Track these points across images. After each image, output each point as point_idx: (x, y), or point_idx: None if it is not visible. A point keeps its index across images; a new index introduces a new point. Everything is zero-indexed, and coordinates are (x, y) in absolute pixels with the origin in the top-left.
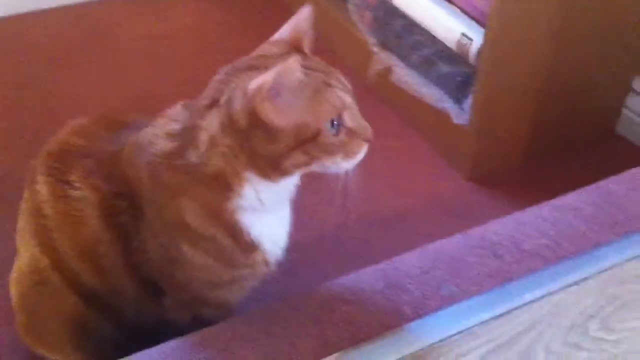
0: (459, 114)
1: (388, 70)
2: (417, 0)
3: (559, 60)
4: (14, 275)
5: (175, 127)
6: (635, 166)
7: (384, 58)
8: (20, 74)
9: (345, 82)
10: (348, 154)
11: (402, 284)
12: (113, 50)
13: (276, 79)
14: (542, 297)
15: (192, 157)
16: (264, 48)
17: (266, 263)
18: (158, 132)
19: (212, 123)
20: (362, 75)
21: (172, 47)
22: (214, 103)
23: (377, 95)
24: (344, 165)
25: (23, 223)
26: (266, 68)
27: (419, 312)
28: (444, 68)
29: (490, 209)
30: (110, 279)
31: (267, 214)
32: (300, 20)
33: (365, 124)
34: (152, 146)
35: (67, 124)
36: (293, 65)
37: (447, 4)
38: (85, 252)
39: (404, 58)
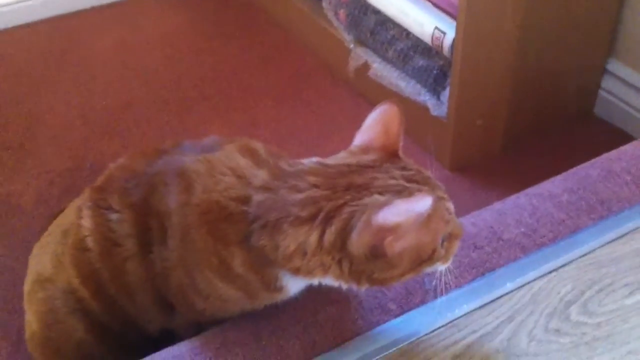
0: (437, 106)
1: (366, 66)
2: None
3: (529, 46)
4: (39, 295)
5: (247, 191)
6: (612, 146)
7: (360, 54)
8: None
9: (436, 180)
10: (448, 258)
11: None
12: (88, 61)
13: (409, 219)
14: (523, 285)
15: (263, 242)
16: (359, 153)
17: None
18: (225, 179)
19: (308, 238)
20: (341, 72)
21: (147, 54)
22: (310, 218)
23: (357, 90)
24: (440, 268)
25: (60, 252)
26: (378, 189)
27: (404, 307)
28: (420, 61)
29: (471, 197)
30: (137, 298)
31: None
32: (391, 122)
33: (459, 222)
34: (208, 191)
35: (108, 166)
36: (427, 204)
37: None
38: (119, 274)
39: (380, 53)
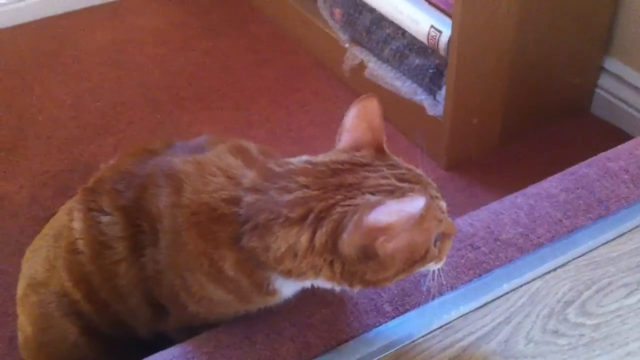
0: (433, 106)
1: (361, 66)
2: None
3: (525, 44)
4: (32, 299)
5: (237, 192)
6: (609, 144)
7: (356, 53)
8: None
9: (428, 178)
10: (441, 258)
11: None
12: (80, 62)
13: (402, 219)
14: (520, 286)
15: (253, 244)
16: (350, 151)
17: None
18: (215, 180)
19: (298, 239)
20: (336, 71)
21: (137, 51)
22: (301, 219)
23: (352, 89)
24: (433, 268)
25: (52, 256)
26: (370, 189)
27: (400, 309)
28: (416, 61)
29: (468, 197)
30: (129, 301)
31: None
32: (373, 116)
33: (451, 220)
34: (198, 193)
35: (100, 167)
36: (421, 204)
37: None
38: (110, 276)
39: (375, 52)
